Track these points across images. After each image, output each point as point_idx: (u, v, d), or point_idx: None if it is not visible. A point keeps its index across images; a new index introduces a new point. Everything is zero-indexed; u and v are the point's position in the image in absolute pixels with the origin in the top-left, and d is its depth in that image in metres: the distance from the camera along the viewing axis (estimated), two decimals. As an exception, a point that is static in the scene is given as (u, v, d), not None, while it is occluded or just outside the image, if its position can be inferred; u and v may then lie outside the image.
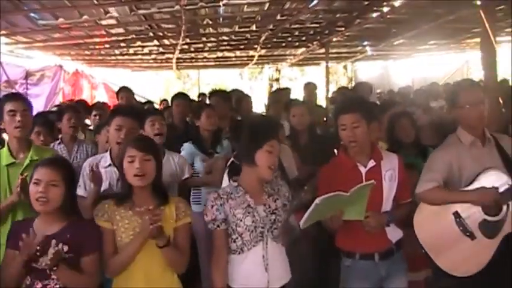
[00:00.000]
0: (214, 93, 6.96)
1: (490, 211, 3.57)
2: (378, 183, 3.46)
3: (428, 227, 3.71)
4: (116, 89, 9.02)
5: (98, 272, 3.11)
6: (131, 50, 12.86)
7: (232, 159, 3.78)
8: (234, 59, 16.19)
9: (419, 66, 18.12)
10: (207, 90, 16.23)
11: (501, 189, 3.55)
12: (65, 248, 2.94)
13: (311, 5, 8.61)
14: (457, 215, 3.64)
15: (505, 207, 3.57)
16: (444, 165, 3.70)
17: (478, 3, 6.19)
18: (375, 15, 9.73)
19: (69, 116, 5.81)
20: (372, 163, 3.55)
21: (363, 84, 9.57)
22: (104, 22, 8.84)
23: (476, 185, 3.60)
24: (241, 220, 3.17)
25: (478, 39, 9.22)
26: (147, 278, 3.15)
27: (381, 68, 19.42)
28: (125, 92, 7.97)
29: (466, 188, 3.63)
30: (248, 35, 11.70)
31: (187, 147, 5.31)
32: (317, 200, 3.09)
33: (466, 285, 3.62)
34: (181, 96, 7.07)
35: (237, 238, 3.20)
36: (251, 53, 14.64)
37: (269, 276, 3.20)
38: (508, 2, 8.23)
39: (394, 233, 3.64)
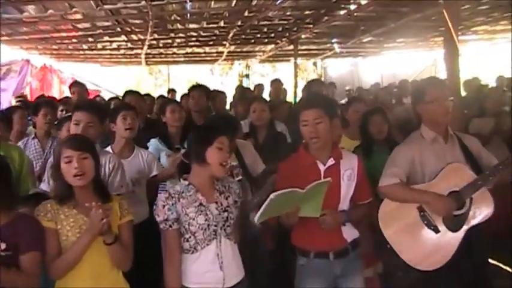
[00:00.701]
0: (196, 87, 6.74)
1: None
2: (335, 182, 3.47)
3: (393, 222, 3.75)
4: (86, 83, 8.94)
5: (38, 272, 2.98)
6: (99, 45, 12.74)
7: (181, 158, 3.74)
8: (203, 55, 16.16)
9: (388, 64, 18.25)
10: (177, 86, 16.24)
11: (463, 184, 3.63)
12: (3, 246, 2.82)
13: (278, 1, 8.64)
14: (421, 209, 3.71)
15: (468, 201, 3.64)
16: (406, 160, 3.76)
17: (441, 2, 6.27)
18: (342, 12, 9.80)
19: (45, 111, 5.75)
20: (331, 161, 3.53)
21: (316, 82, 9.48)
22: (70, 17, 8.74)
23: (438, 181, 3.67)
24: (193, 219, 3.14)
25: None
26: (94, 277, 3.08)
27: (350, 65, 19.55)
28: (76, 86, 7.84)
29: (430, 183, 3.69)
30: (216, 31, 11.68)
31: (153, 143, 5.25)
32: (272, 195, 3.07)
33: (431, 279, 3.67)
34: (130, 93, 6.82)
35: (190, 237, 3.17)
36: (220, 49, 14.64)
37: (224, 274, 3.19)
38: (472, 2, 8.37)
39: (350, 233, 3.63)
